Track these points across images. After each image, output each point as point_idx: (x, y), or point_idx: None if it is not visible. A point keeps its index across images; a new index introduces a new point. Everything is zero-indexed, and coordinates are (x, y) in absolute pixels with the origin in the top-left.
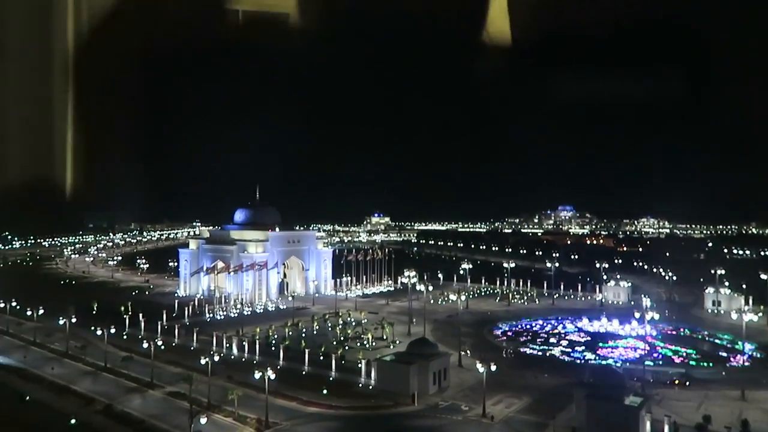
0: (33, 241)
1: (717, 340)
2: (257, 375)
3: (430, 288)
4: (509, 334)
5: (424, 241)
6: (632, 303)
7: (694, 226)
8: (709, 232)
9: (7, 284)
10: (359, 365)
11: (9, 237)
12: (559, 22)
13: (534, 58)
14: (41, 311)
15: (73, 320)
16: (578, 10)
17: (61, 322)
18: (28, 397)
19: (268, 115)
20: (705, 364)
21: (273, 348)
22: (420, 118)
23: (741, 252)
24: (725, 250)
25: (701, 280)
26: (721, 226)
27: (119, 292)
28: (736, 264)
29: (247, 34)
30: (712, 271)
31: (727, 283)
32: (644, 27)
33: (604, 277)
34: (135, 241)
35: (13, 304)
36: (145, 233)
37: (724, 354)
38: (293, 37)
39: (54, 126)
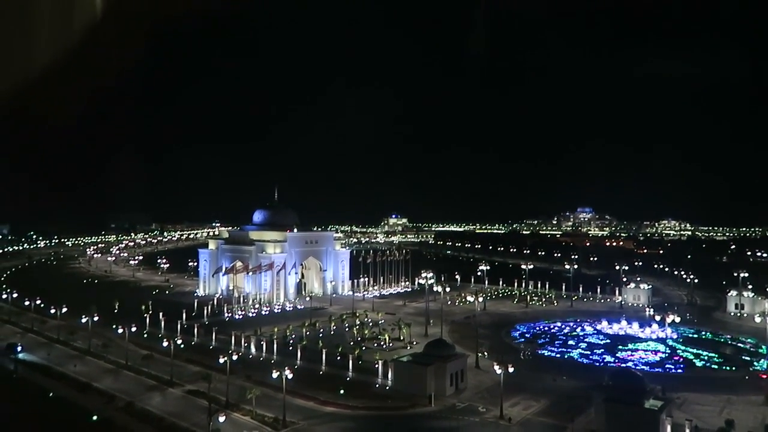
0: (57, 241)
1: (740, 344)
2: (275, 374)
3: (448, 289)
4: (527, 336)
5: (441, 243)
6: (651, 308)
7: (716, 228)
8: (731, 235)
9: (32, 283)
10: (376, 366)
11: (34, 236)
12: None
13: (554, 57)
14: (64, 310)
15: (96, 319)
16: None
17: (84, 320)
18: (51, 394)
19: (286, 118)
20: (728, 368)
21: (291, 348)
22: (437, 119)
23: (765, 255)
24: (748, 253)
25: (723, 283)
26: (744, 229)
27: (140, 292)
28: (760, 267)
29: (267, 35)
30: (735, 274)
31: (750, 286)
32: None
33: (624, 279)
34: (155, 241)
35: (38, 302)
36: (165, 233)
37: (747, 358)
38: (315, 37)
39: (77, 130)
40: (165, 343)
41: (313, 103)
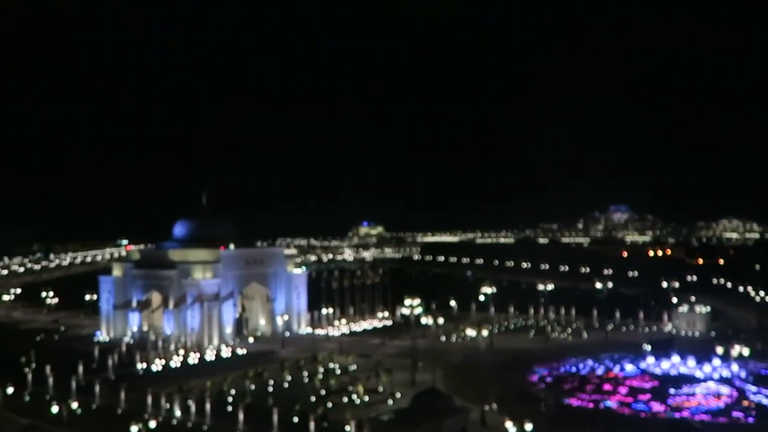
0: None
1: None
2: None
3: (441, 321)
4: (549, 379)
5: (430, 258)
6: (713, 334)
7: None
8: None
9: None
10: (348, 428)
11: None
12: None
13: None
14: None
15: None
16: None
17: None
18: None
19: (220, 102)
20: None
21: (230, 408)
22: (422, 94)
23: None
24: None
25: None
26: None
27: (18, 338)
28: None
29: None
30: None
31: None
32: None
33: (674, 299)
34: (39, 267)
35: None
36: (52, 256)
37: None
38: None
39: None
40: (55, 408)
41: (257, 82)
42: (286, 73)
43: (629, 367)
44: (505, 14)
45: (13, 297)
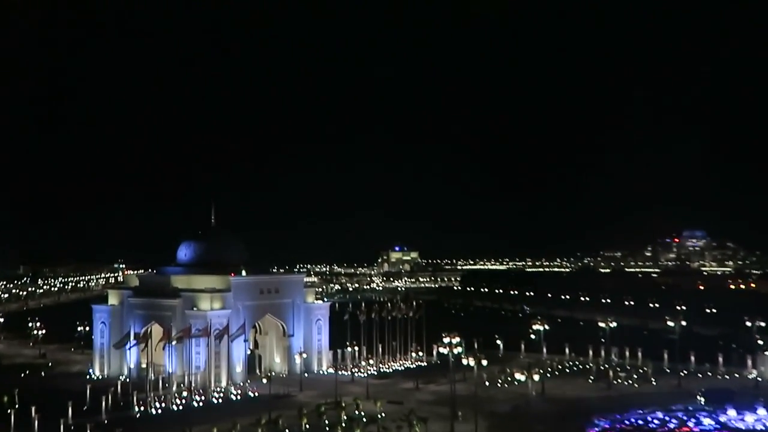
0: None
1: None
2: None
3: (484, 362)
4: None
5: (472, 289)
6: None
7: None
8: None
9: None
10: None
11: None
12: None
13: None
14: None
15: None
16: None
17: None
18: None
19: (235, 113)
20: None
21: None
22: (465, 101)
23: None
24: None
25: None
26: None
27: (0, 374)
28: None
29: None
30: None
31: None
32: None
33: (760, 341)
34: (25, 293)
35: None
36: (40, 281)
37: None
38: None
39: None
40: None
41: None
42: (316, 79)
43: (707, 421)
44: (572, 38)
45: None
